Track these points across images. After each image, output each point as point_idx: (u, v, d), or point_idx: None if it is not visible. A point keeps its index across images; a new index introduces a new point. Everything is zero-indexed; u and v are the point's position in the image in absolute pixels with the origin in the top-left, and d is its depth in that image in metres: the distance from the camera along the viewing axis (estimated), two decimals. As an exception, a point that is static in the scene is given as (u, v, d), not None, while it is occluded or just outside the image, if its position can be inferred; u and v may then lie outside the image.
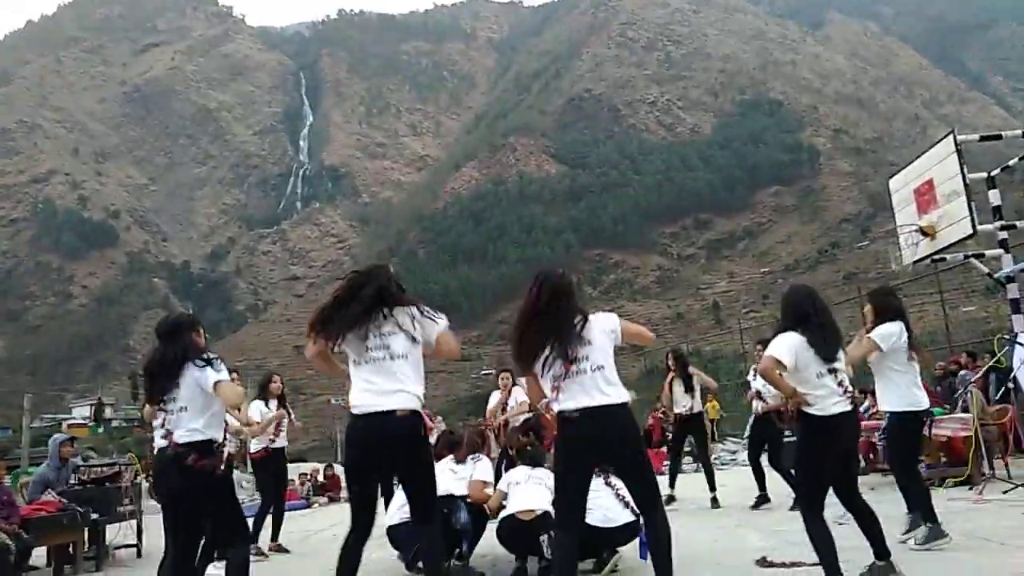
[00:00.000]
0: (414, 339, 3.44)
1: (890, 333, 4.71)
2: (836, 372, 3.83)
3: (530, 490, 4.75)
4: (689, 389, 7.98)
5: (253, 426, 6.84)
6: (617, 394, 3.38)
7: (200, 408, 3.65)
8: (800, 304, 3.94)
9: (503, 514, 4.79)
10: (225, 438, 3.94)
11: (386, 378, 3.39)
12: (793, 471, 6.96)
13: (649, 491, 3.44)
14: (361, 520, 3.51)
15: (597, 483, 4.45)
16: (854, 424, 3.96)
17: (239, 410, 6.34)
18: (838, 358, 3.87)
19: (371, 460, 3.45)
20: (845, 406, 3.82)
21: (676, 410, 8.12)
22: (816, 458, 3.85)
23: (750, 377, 7.99)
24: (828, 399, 3.79)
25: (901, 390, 4.78)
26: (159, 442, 3.69)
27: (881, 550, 3.88)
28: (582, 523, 3.44)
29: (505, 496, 4.89)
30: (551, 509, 4.49)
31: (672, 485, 8.12)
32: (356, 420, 3.40)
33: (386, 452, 3.40)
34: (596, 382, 3.35)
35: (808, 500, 3.85)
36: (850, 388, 3.89)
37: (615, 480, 4.55)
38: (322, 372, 3.74)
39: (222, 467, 3.76)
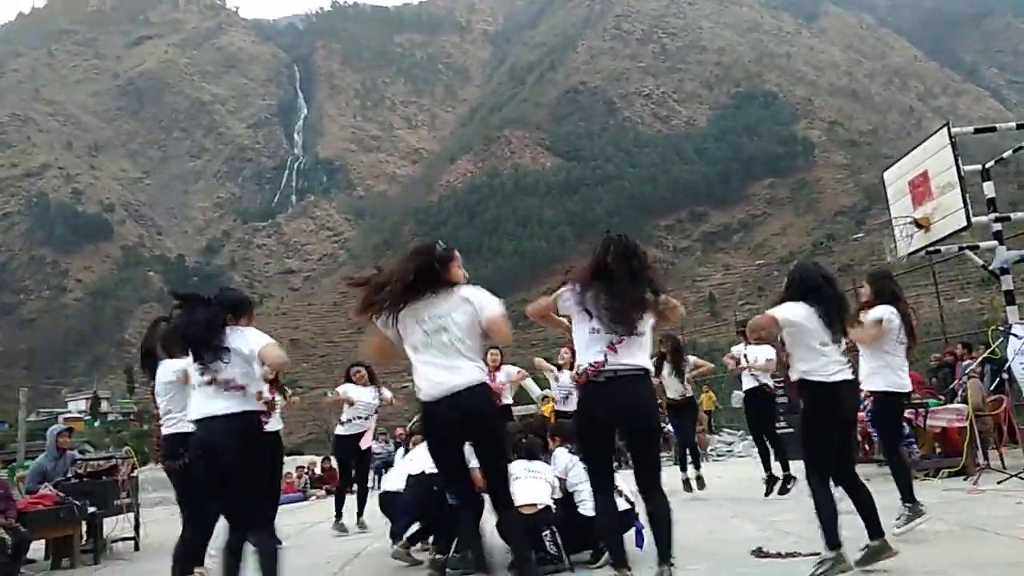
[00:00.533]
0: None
1: (890, 313, 4.78)
2: (839, 343, 3.95)
3: (528, 484, 4.67)
4: (679, 375, 7.99)
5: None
6: (648, 361, 3.47)
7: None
8: (808, 277, 4.02)
9: None
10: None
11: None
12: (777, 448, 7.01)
13: (653, 469, 3.47)
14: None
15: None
16: (855, 393, 4.10)
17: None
18: (843, 330, 3.99)
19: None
20: (847, 375, 3.94)
21: (668, 395, 8.15)
22: (820, 425, 3.94)
23: (735, 350, 8.00)
24: (830, 367, 3.88)
25: (887, 372, 4.83)
26: (205, 410, 3.57)
27: (875, 529, 3.94)
28: (613, 484, 3.45)
29: None
30: (551, 503, 4.60)
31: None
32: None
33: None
34: (642, 346, 3.43)
35: (813, 467, 3.92)
36: (852, 360, 4.04)
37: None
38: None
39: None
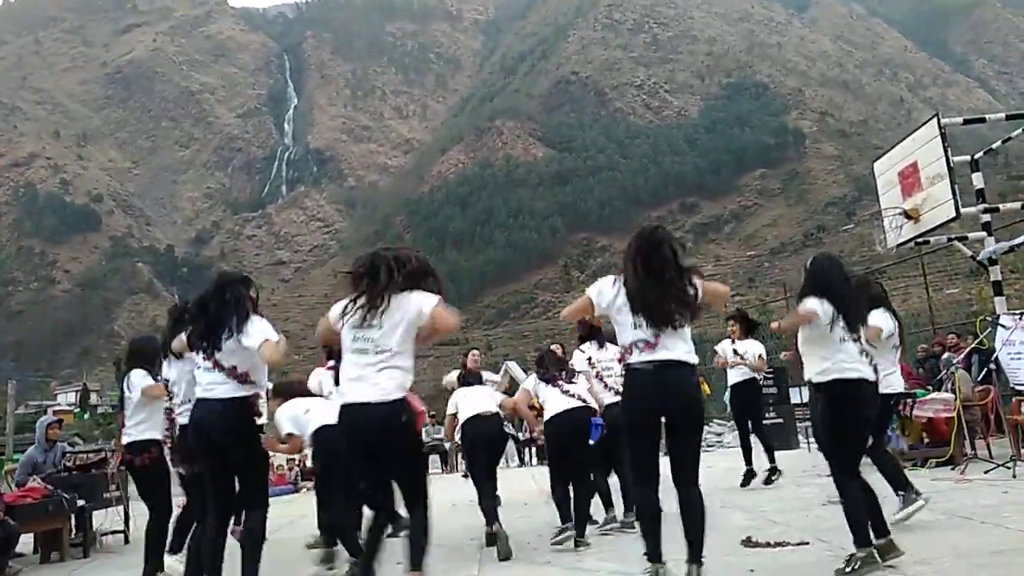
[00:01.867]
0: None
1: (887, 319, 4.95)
2: (858, 340, 3.99)
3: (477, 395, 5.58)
4: None
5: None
6: (692, 355, 3.43)
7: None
8: (828, 274, 4.05)
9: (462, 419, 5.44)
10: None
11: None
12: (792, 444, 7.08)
13: (691, 461, 3.42)
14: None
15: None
16: (875, 392, 4.10)
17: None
18: (860, 327, 4.05)
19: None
20: (867, 373, 3.97)
21: None
22: (846, 424, 3.95)
23: (722, 349, 8.01)
24: (850, 363, 3.92)
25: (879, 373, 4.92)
26: (205, 392, 3.68)
27: (879, 528, 3.93)
28: (657, 479, 3.40)
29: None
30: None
31: None
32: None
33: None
34: (684, 338, 3.40)
35: (840, 465, 3.91)
36: (871, 358, 4.06)
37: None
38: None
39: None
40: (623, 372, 3.51)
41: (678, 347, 3.35)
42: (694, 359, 3.43)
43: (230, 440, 3.60)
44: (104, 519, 7.28)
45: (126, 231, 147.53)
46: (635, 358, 3.36)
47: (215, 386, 3.65)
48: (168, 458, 4.91)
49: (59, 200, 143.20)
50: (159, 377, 4.85)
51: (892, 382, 5.07)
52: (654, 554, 3.28)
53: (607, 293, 3.47)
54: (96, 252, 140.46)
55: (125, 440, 4.92)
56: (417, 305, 3.31)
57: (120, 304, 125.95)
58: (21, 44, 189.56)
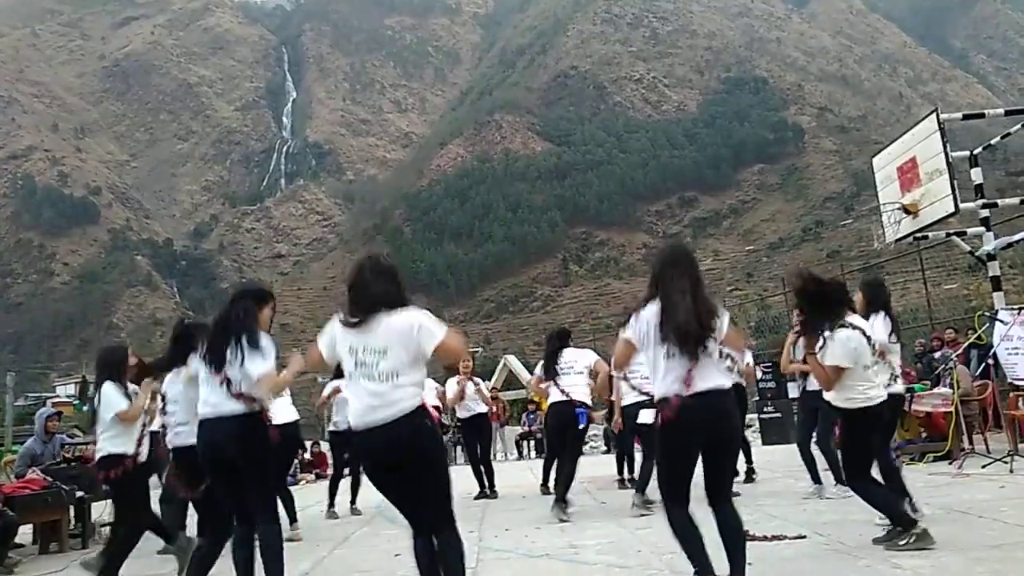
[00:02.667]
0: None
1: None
2: (884, 358, 4.38)
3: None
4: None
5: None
6: (726, 378, 3.35)
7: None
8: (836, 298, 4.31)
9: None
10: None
11: None
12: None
13: (725, 480, 3.35)
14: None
15: None
16: (896, 403, 4.56)
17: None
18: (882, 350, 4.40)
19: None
20: (884, 393, 4.30)
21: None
22: (861, 440, 4.24)
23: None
24: (873, 389, 4.22)
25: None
26: (213, 410, 3.64)
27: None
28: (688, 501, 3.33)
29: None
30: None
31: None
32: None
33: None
34: (716, 361, 3.30)
35: (855, 471, 4.23)
36: (898, 373, 4.53)
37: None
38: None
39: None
40: (657, 404, 3.34)
41: (712, 373, 3.24)
42: (728, 382, 3.35)
43: (243, 456, 3.57)
44: (103, 510, 7.30)
45: (125, 224, 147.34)
46: (671, 390, 3.22)
47: (223, 403, 3.62)
48: (160, 476, 4.88)
49: (57, 193, 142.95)
50: (130, 392, 4.83)
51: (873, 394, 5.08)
52: (705, 570, 3.15)
53: (641, 322, 3.32)
54: (95, 245, 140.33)
55: (98, 455, 4.84)
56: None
57: (119, 297, 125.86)
58: (18, 37, 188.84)
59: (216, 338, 3.71)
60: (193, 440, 3.84)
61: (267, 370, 3.60)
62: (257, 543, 3.60)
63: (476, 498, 8.03)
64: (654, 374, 3.32)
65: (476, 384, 8.51)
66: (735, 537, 3.22)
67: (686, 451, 3.25)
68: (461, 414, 8.65)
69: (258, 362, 3.59)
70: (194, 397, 3.87)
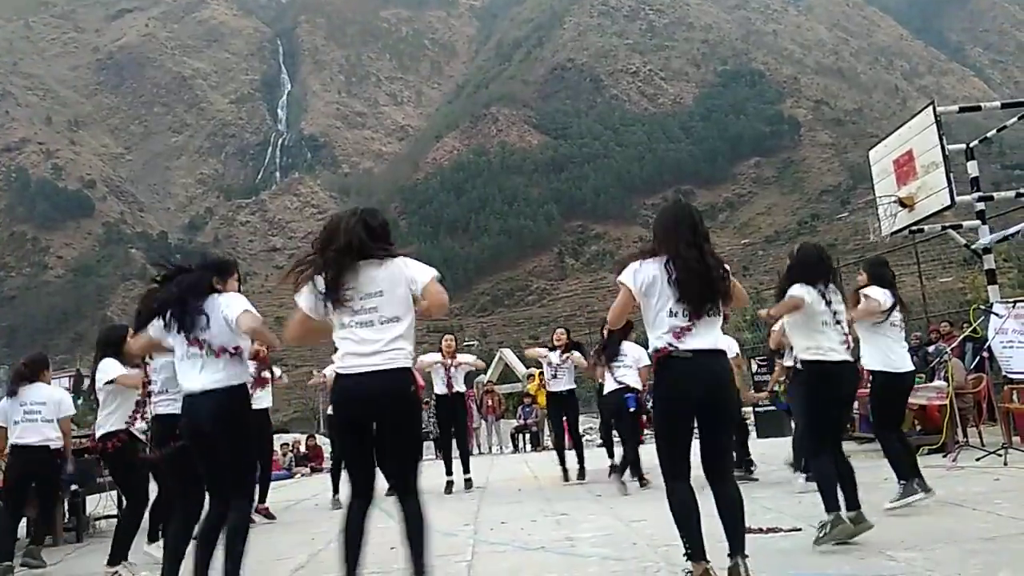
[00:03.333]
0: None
1: (885, 295, 4.89)
2: (840, 324, 4.20)
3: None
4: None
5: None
6: (724, 341, 3.35)
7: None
8: (813, 262, 4.28)
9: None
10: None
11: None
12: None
13: (723, 453, 3.28)
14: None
15: None
16: (853, 374, 4.34)
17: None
18: (842, 311, 4.25)
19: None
20: (846, 356, 4.21)
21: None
22: (820, 401, 4.23)
23: None
24: (832, 347, 4.16)
25: (883, 352, 4.90)
26: (192, 385, 3.55)
27: (852, 502, 4.08)
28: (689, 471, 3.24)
29: None
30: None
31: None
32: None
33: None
34: (718, 326, 3.25)
35: (812, 439, 4.24)
36: (850, 340, 4.28)
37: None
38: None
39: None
40: (654, 359, 3.27)
41: (714, 334, 3.20)
42: (727, 346, 3.35)
43: (222, 431, 3.50)
44: (97, 504, 7.28)
45: (119, 217, 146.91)
46: (669, 344, 3.16)
47: (205, 376, 3.51)
48: (144, 447, 4.86)
49: (51, 186, 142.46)
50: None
51: (899, 362, 4.92)
52: (697, 552, 3.06)
53: (644, 272, 3.24)
54: (89, 238, 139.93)
55: (99, 433, 4.89)
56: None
57: (113, 290, 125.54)
58: (11, 29, 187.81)
59: (179, 300, 3.56)
60: (171, 409, 3.89)
61: (241, 308, 3.50)
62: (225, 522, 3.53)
63: (446, 491, 7.79)
64: (653, 328, 3.25)
65: (458, 363, 8.18)
66: (736, 511, 3.13)
67: (679, 410, 3.19)
68: (439, 390, 8.21)
69: (233, 305, 3.52)
70: (172, 370, 3.83)
